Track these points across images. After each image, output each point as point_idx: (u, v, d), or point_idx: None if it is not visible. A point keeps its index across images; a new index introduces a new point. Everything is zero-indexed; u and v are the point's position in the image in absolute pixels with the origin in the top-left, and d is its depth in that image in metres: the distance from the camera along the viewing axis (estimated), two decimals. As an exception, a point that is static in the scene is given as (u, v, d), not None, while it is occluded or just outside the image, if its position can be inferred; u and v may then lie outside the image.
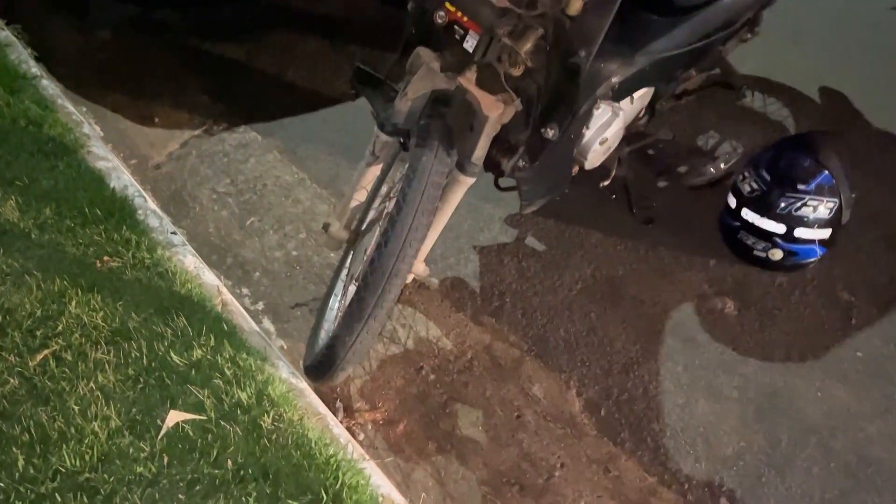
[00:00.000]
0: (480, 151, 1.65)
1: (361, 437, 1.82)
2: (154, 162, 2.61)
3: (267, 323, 2.09)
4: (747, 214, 2.07)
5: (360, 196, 1.85)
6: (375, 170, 1.82)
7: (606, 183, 2.09)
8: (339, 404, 1.88)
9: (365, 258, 1.69)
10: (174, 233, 2.17)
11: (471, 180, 1.70)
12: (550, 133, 1.63)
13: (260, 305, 2.14)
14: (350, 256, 1.92)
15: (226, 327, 1.85)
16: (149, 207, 2.22)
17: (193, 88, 2.94)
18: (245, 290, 2.17)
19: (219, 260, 2.25)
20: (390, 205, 1.66)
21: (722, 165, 2.35)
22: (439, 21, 1.53)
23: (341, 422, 1.82)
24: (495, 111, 1.60)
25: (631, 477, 1.76)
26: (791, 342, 1.98)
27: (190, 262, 2.07)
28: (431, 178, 1.57)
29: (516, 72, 1.56)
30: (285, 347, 2.02)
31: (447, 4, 1.50)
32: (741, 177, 2.11)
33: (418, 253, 1.63)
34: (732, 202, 2.11)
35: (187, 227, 2.35)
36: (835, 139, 2.14)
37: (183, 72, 2.98)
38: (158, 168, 2.59)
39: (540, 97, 1.62)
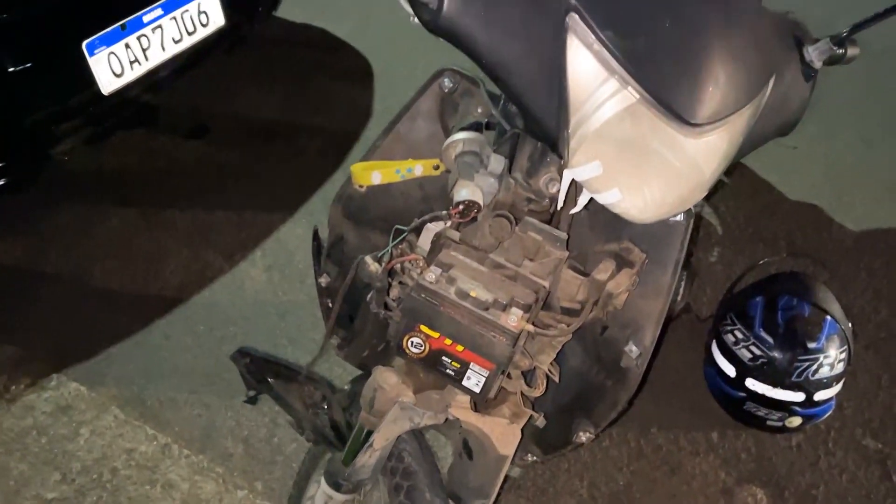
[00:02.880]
0: (494, 489, 1.12)
1: None
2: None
3: None
4: (755, 385, 1.71)
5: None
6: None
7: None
8: None
9: None
10: None
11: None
12: (584, 437, 1.14)
13: None
14: None
15: None
16: None
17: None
18: None
19: None
20: None
21: (676, 298, 1.99)
22: (413, 351, 0.97)
23: None
24: (512, 444, 1.08)
25: None
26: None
27: None
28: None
29: (538, 391, 1.05)
30: None
31: (423, 328, 0.95)
32: (730, 336, 1.75)
33: None
34: (730, 370, 1.75)
35: None
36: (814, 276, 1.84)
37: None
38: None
39: (564, 390, 1.13)
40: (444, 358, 0.97)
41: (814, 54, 0.93)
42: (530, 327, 0.93)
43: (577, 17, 0.77)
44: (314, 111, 2.89)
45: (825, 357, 1.67)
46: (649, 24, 0.80)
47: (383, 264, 1.05)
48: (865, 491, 1.72)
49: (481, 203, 0.95)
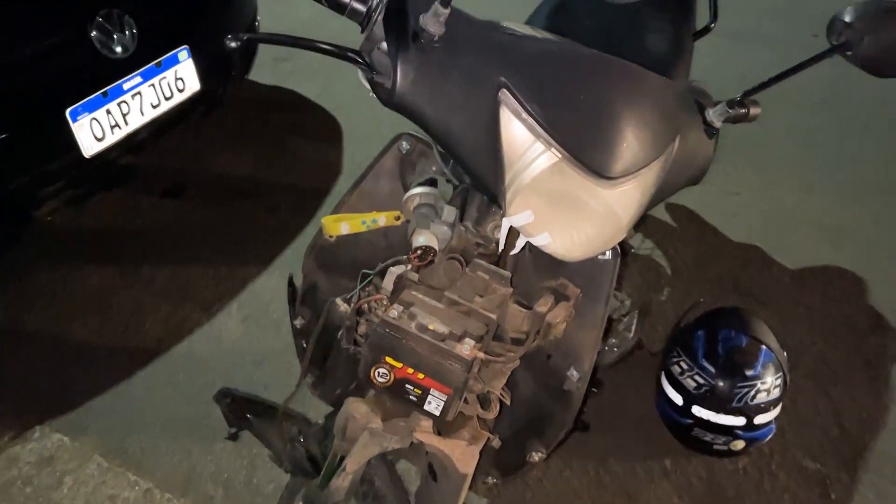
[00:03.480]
0: (457, 507, 1.24)
1: None
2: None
3: None
4: (700, 412, 1.85)
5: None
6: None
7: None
8: None
9: None
10: None
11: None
12: (537, 457, 1.27)
13: None
14: None
15: None
16: None
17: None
18: None
19: None
20: None
21: (629, 335, 2.13)
22: (379, 380, 1.10)
23: None
24: (471, 463, 1.20)
25: None
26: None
27: None
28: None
29: (491, 414, 1.18)
30: None
31: (388, 360, 1.08)
32: (677, 367, 1.90)
33: None
34: (678, 399, 1.89)
35: None
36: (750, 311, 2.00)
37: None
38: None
39: (517, 416, 1.26)
40: (407, 385, 1.09)
41: (713, 116, 1.10)
42: (482, 355, 1.07)
43: (507, 92, 0.93)
44: (286, 170, 3.04)
45: (762, 383, 1.82)
46: (568, 96, 0.95)
47: (352, 304, 1.18)
48: (808, 509, 1.86)
49: (437, 248, 1.09)
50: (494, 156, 0.95)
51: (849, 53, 1.12)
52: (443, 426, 1.19)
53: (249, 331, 2.36)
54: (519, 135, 0.94)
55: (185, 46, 2.50)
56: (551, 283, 1.14)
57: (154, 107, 2.45)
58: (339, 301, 1.20)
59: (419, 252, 1.09)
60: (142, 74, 2.38)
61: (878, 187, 2.82)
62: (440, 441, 1.19)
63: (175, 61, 2.48)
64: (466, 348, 1.05)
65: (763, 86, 1.11)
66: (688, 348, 1.90)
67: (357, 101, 3.38)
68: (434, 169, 1.21)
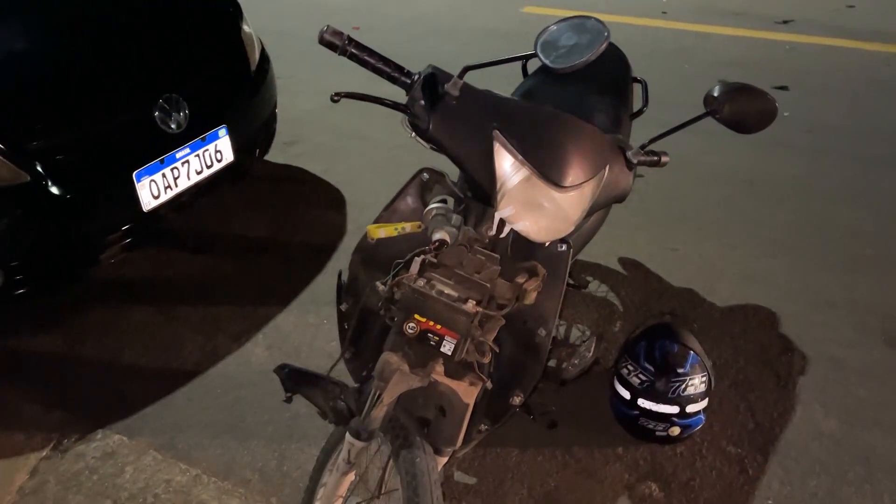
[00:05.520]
0: (460, 434, 1.72)
1: None
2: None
3: None
4: (644, 403, 2.34)
5: (334, 508, 1.80)
6: (351, 476, 1.78)
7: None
8: None
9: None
10: None
11: (444, 459, 1.76)
12: (517, 400, 1.76)
13: None
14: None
15: None
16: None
17: (17, 401, 2.61)
18: None
19: None
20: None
21: (588, 354, 2.64)
22: (410, 331, 1.60)
23: None
24: (472, 396, 1.69)
25: None
26: (715, 508, 2.26)
27: None
28: (433, 478, 1.60)
29: (485, 359, 1.68)
30: None
31: (416, 316, 1.59)
32: (625, 370, 2.40)
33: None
34: (626, 394, 2.38)
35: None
36: (682, 323, 2.52)
37: None
38: (16, 513, 2.24)
39: (502, 372, 1.75)
40: (429, 334, 1.60)
41: (631, 155, 1.66)
42: (480, 310, 1.58)
43: (498, 133, 1.49)
44: (298, 230, 3.57)
45: (690, 379, 2.32)
46: (536, 136, 1.51)
47: (388, 284, 1.69)
48: (728, 480, 2.33)
49: (449, 241, 1.62)
50: (490, 172, 1.50)
51: (717, 116, 1.72)
52: (451, 370, 1.68)
53: (273, 356, 2.83)
54: (505, 159, 1.50)
55: (224, 125, 3.08)
56: (526, 265, 1.67)
57: (198, 173, 2.99)
58: (378, 284, 1.72)
59: (437, 244, 1.61)
60: (190, 146, 2.93)
61: (786, 246, 3.42)
62: (450, 380, 1.68)
63: (216, 137, 3.04)
64: (470, 306, 1.57)
65: (660, 136, 1.69)
66: (633, 354, 2.41)
67: (358, 177, 3.97)
68: (446, 191, 1.76)
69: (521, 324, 1.71)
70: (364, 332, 1.91)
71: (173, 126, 2.87)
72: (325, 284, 3.16)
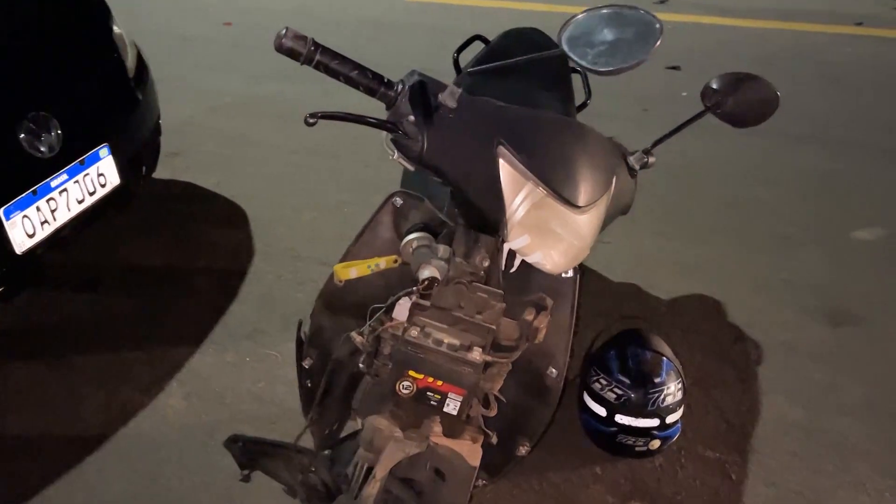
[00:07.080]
0: (465, 500, 1.47)
1: None
2: None
3: None
4: (622, 419, 2.17)
5: None
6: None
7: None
8: None
9: None
10: None
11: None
12: (524, 450, 1.54)
13: None
14: None
15: None
16: None
17: None
18: None
19: None
20: None
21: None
22: (405, 392, 1.33)
23: None
24: (478, 458, 1.44)
25: None
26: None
27: None
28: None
29: (492, 413, 1.44)
30: None
31: (411, 373, 1.32)
32: (597, 385, 2.22)
33: None
34: (601, 411, 2.21)
35: None
36: (649, 327, 2.38)
37: None
38: None
39: (504, 419, 1.52)
40: (428, 393, 1.34)
41: (632, 161, 1.46)
42: (488, 358, 1.33)
43: (503, 148, 1.24)
44: (197, 255, 3.17)
45: (667, 388, 2.18)
46: (545, 149, 1.27)
47: (367, 335, 1.41)
48: (713, 489, 2.21)
49: (439, 278, 1.36)
50: (496, 195, 1.25)
51: (718, 111, 1.54)
52: (450, 429, 1.43)
53: (194, 405, 2.45)
54: (514, 178, 1.25)
55: (106, 143, 2.64)
56: (532, 297, 1.43)
57: (79, 202, 2.55)
58: (353, 334, 1.43)
59: (426, 282, 1.35)
60: (68, 172, 2.49)
61: (716, 230, 3.38)
62: (451, 442, 1.43)
63: (97, 158, 2.61)
64: (476, 355, 1.32)
65: (661, 140, 1.49)
66: (604, 367, 2.24)
67: (256, 189, 3.58)
68: (424, 218, 1.49)
69: (526, 363, 1.48)
70: (330, 386, 1.61)
71: (44, 149, 2.41)
72: (239, 315, 2.79)
